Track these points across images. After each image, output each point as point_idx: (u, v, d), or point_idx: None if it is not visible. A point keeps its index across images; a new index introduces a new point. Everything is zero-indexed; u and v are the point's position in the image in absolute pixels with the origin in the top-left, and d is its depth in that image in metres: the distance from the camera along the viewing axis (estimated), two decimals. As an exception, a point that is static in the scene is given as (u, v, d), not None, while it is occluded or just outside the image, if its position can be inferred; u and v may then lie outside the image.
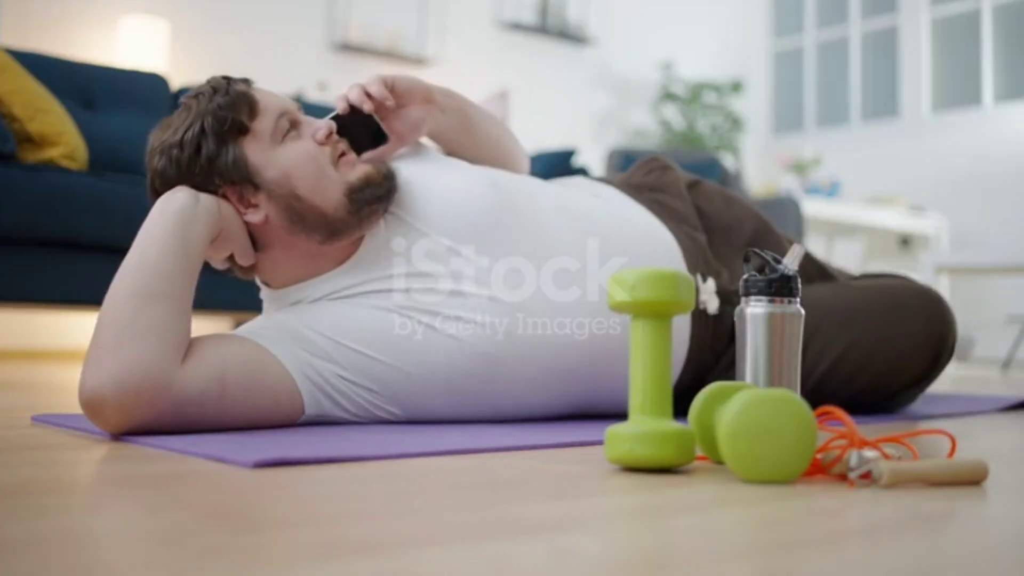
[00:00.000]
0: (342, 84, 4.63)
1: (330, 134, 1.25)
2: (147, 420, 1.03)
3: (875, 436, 1.04)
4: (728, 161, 5.85)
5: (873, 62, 6.20)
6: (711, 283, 1.44)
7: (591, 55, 5.98)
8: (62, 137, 2.50)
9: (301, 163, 1.21)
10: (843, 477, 0.85)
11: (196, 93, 1.22)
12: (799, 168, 5.50)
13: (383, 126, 1.32)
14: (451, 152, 1.48)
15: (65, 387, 2.00)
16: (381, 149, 1.33)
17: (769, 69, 6.69)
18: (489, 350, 1.24)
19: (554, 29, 5.75)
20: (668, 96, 6.09)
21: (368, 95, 1.30)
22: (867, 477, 0.82)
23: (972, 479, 0.83)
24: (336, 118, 1.29)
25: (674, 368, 1.41)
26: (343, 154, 1.26)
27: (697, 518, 0.69)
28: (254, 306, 1.45)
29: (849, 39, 6.31)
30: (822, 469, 0.86)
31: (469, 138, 1.47)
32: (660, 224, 1.47)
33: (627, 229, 1.41)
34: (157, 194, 1.20)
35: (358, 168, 1.25)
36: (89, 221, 2.37)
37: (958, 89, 5.79)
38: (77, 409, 1.33)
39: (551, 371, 1.29)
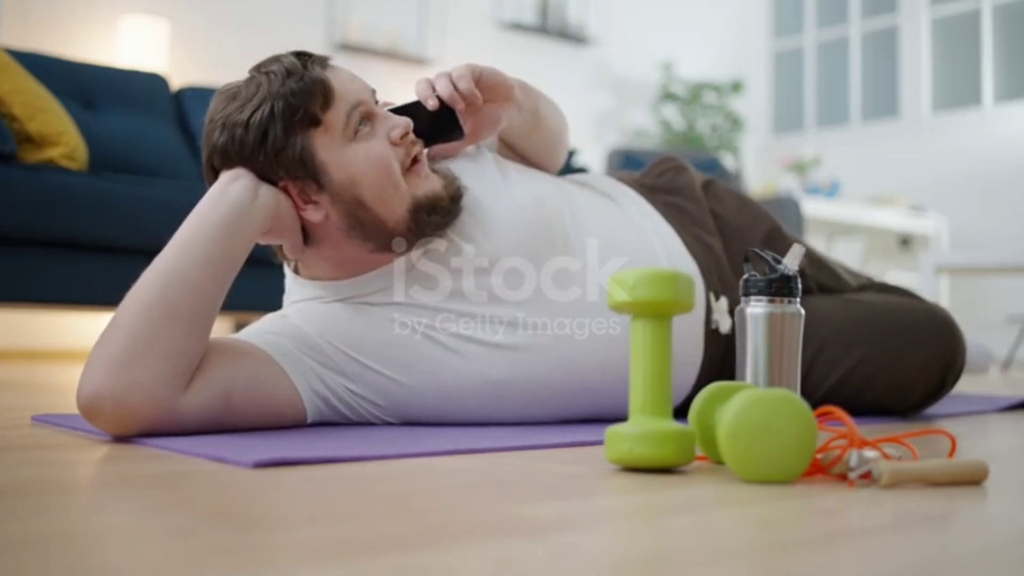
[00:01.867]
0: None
1: (406, 134, 1.18)
2: (144, 433, 1.02)
3: (875, 436, 1.04)
4: (728, 161, 5.85)
5: (873, 62, 6.20)
6: (724, 302, 1.42)
7: (591, 55, 5.98)
8: (62, 137, 2.49)
9: (371, 169, 1.14)
10: (843, 477, 0.85)
11: (267, 70, 1.13)
12: (799, 168, 5.50)
13: (461, 120, 1.25)
14: (510, 143, 1.43)
15: (65, 387, 2.00)
16: (454, 145, 1.29)
17: (769, 69, 6.68)
18: (497, 375, 1.23)
19: (554, 29, 5.75)
20: (668, 96, 6.09)
21: (457, 90, 1.23)
22: (867, 477, 0.82)
23: (972, 479, 0.83)
24: (411, 107, 1.23)
25: (685, 386, 1.40)
26: (416, 160, 1.19)
27: (697, 518, 0.69)
28: (254, 306, 1.45)
29: (849, 39, 6.31)
30: (822, 469, 0.86)
31: (534, 136, 1.42)
32: (677, 238, 1.43)
33: (656, 251, 1.38)
34: (214, 171, 1.14)
35: (427, 182, 1.19)
36: (89, 221, 2.37)
37: (958, 89, 5.79)
38: (77, 409, 1.33)
39: (552, 377, 1.27)
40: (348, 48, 4.91)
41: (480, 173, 1.31)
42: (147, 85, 3.18)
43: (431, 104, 1.23)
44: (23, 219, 2.28)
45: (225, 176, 1.12)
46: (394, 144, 1.17)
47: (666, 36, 6.31)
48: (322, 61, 1.16)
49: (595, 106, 6.01)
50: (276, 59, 1.15)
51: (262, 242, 1.17)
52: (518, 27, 5.62)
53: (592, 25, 5.97)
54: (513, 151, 1.46)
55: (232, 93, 1.14)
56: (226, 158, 1.13)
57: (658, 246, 1.39)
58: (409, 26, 5.20)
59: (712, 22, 6.61)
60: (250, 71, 1.16)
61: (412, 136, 1.19)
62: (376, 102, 1.20)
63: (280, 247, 1.22)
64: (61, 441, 1.04)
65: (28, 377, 2.41)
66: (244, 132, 1.11)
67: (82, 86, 2.97)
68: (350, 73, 1.19)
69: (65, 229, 2.34)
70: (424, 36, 5.23)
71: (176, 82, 3.87)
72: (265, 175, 1.13)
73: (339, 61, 1.22)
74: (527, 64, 5.64)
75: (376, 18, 5.06)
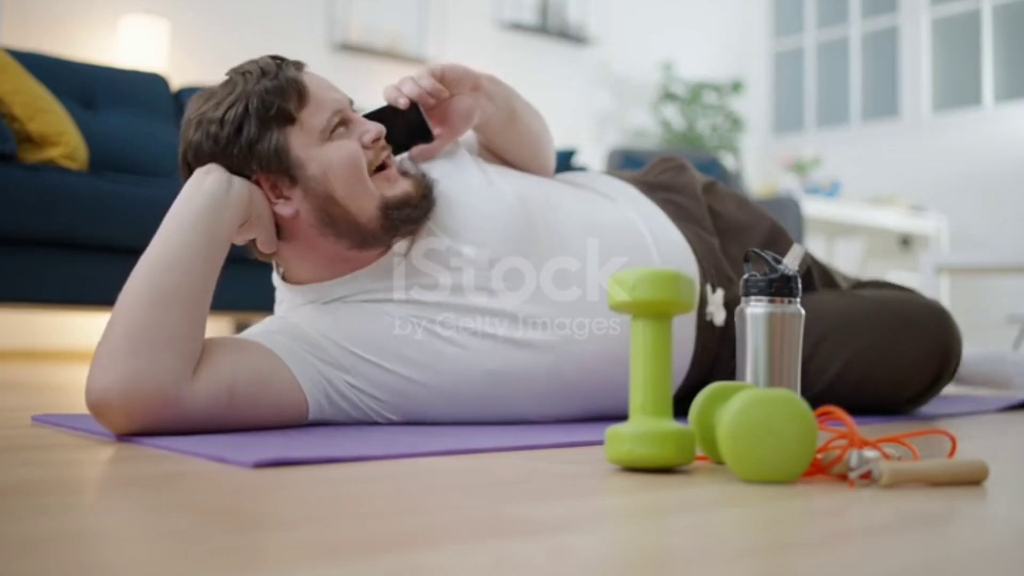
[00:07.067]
0: (342, 84, 4.62)
1: (379, 138, 1.21)
2: (152, 426, 1.02)
3: (875, 436, 1.04)
4: (728, 161, 5.85)
5: (873, 62, 6.20)
6: (720, 294, 1.43)
7: (591, 55, 5.98)
8: (62, 137, 2.49)
9: (343, 165, 1.17)
10: (843, 477, 0.85)
11: (244, 71, 1.17)
12: (799, 168, 5.50)
13: (428, 121, 1.29)
14: (491, 144, 1.44)
15: (65, 387, 2.00)
16: (433, 145, 1.31)
17: (769, 69, 6.68)
18: (496, 366, 1.23)
19: (554, 29, 5.75)
20: (668, 96, 6.09)
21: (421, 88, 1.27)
22: (867, 477, 0.82)
23: (972, 479, 0.83)
24: (383, 111, 1.26)
25: (676, 376, 1.40)
26: (383, 166, 1.22)
27: (697, 518, 0.69)
28: (255, 306, 1.45)
29: (849, 39, 6.31)
30: (822, 469, 0.86)
31: (512, 133, 1.43)
32: (676, 231, 1.44)
33: (650, 248, 1.39)
34: (189, 168, 1.17)
35: (397, 185, 1.22)
36: (89, 221, 2.37)
37: (958, 89, 5.79)
38: (77, 409, 1.33)
39: (552, 376, 1.28)
40: (348, 48, 4.91)
41: (459, 171, 1.33)
42: (147, 85, 3.18)
43: (402, 103, 1.26)
44: (23, 219, 2.28)
45: (199, 171, 1.14)
46: (365, 147, 1.20)
47: (666, 36, 6.31)
48: (297, 64, 1.20)
49: (595, 106, 6.01)
50: (252, 61, 1.18)
51: (237, 240, 1.19)
52: (518, 27, 5.62)
53: (592, 25, 5.97)
54: (496, 155, 1.46)
55: (208, 94, 1.18)
56: (200, 155, 1.16)
57: (650, 242, 1.40)
58: (409, 26, 5.20)
59: (712, 22, 6.61)
60: (227, 73, 1.19)
61: (383, 142, 1.23)
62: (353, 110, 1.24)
63: (254, 243, 1.22)
64: (61, 441, 1.04)
65: (28, 377, 2.41)
66: (219, 128, 1.14)
67: (82, 86, 2.97)
68: (327, 81, 1.23)
69: (65, 229, 2.34)
70: (424, 36, 5.23)
71: (176, 82, 3.87)
72: (238, 169, 1.15)
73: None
74: (527, 64, 5.64)
75: (376, 18, 5.06)
